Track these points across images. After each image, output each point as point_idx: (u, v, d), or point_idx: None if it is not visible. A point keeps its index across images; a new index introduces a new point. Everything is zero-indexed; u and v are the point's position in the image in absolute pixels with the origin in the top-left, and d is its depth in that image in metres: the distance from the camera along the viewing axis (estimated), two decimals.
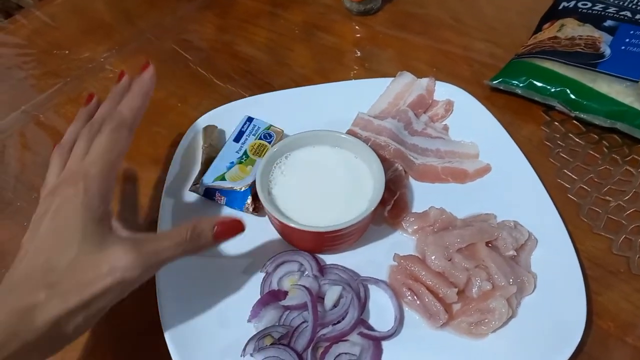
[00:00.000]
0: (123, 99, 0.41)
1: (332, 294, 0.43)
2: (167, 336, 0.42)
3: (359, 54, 0.71)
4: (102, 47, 0.74)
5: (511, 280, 0.44)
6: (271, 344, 0.41)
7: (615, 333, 0.44)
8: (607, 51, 0.60)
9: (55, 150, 0.42)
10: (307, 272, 0.46)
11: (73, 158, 0.39)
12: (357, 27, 0.75)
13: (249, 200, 0.49)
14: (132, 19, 0.78)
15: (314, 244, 0.48)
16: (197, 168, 0.54)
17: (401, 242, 0.49)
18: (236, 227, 0.40)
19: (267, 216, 0.50)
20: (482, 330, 0.42)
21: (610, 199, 0.53)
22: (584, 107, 0.58)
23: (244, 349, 0.41)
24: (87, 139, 0.39)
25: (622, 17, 0.63)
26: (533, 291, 0.45)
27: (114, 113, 0.40)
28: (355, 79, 0.66)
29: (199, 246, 0.38)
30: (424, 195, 0.53)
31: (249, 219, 0.51)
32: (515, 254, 0.46)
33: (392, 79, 0.62)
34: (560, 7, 0.68)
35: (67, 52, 0.74)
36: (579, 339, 0.41)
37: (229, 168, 0.51)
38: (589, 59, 0.60)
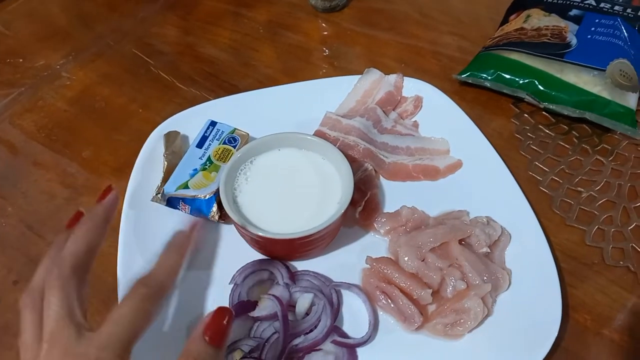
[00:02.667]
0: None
1: (303, 302, 0.42)
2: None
3: (326, 52, 0.70)
4: (59, 53, 0.71)
5: (485, 277, 0.43)
6: (241, 358, 0.39)
7: (592, 326, 0.44)
8: (574, 41, 0.60)
9: (24, 298, 0.33)
10: (277, 281, 0.44)
11: (54, 319, 0.30)
12: (323, 24, 0.74)
13: (214, 209, 0.47)
14: (89, 24, 0.75)
15: (284, 251, 0.46)
16: (159, 177, 0.51)
17: (374, 243, 0.48)
18: (225, 319, 0.31)
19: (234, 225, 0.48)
20: (458, 331, 0.41)
21: (582, 189, 0.53)
22: (552, 98, 0.58)
23: None
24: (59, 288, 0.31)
25: (587, 5, 0.63)
26: (508, 288, 0.44)
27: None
28: (323, 77, 0.65)
29: None
30: (395, 195, 0.52)
31: (215, 228, 0.49)
32: (489, 250, 0.45)
33: (360, 76, 0.61)
34: None
35: (21, 60, 0.70)
36: (556, 335, 0.40)
37: (192, 175, 0.49)
38: (555, 49, 0.59)
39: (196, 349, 0.30)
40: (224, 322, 0.31)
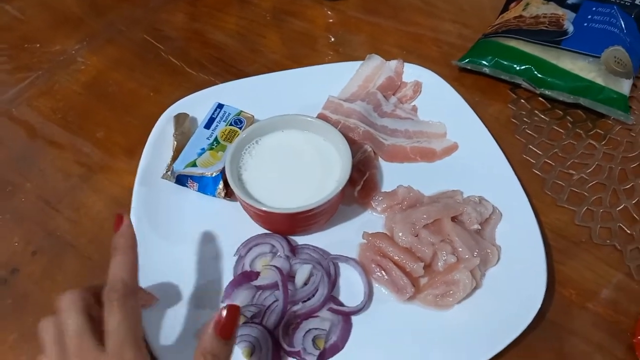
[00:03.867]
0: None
1: (302, 272, 0.45)
2: (143, 319, 0.43)
3: (331, 39, 0.72)
4: (73, 39, 0.73)
5: (475, 252, 0.45)
6: (244, 323, 0.42)
7: (577, 300, 0.46)
8: (571, 28, 0.61)
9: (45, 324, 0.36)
10: (279, 253, 0.47)
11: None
12: (328, 12, 0.75)
13: (221, 186, 0.50)
14: (101, 11, 0.78)
15: (285, 226, 0.49)
16: (170, 155, 0.54)
17: (371, 221, 0.51)
18: (233, 316, 0.34)
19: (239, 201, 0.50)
20: (448, 302, 0.43)
21: (574, 172, 0.55)
22: (548, 84, 0.59)
23: None
24: None
25: None
26: (497, 263, 0.46)
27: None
28: (327, 63, 0.67)
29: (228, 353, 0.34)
30: (393, 175, 0.54)
31: (221, 205, 0.52)
32: (480, 227, 0.48)
33: (362, 62, 0.63)
34: None
35: (37, 45, 0.73)
36: (539, 306, 0.43)
37: (200, 154, 0.52)
38: (553, 36, 0.61)
39: (210, 345, 0.33)
40: (233, 318, 0.34)
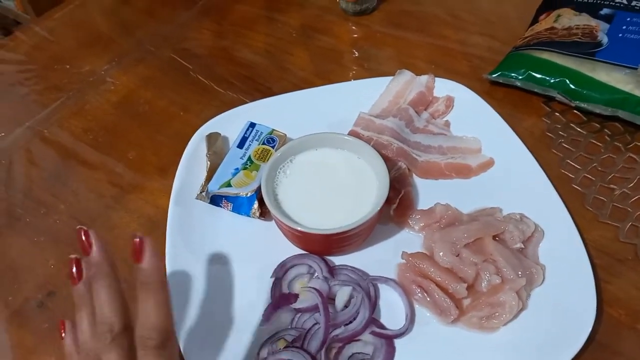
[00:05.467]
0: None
1: (342, 294, 0.44)
2: (182, 343, 0.43)
3: (357, 54, 0.71)
4: (102, 59, 0.74)
5: (520, 272, 0.44)
6: (285, 347, 0.41)
7: (626, 321, 0.45)
8: (605, 39, 0.60)
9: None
10: (316, 274, 0.46)
11: None
12: (353, 27, 0.75)
13: (256, 206, 0.50)
14: (130, 30, 0.79)
15: (322, 246, 0.48)
16: (203, 176, 0.54)
17: (408, 239, 0.50)
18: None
19: (273, 221, 0.50)
20: (494, 324, 0.42)
21: (615, 187, 0.53)
22: (584, 97, 0.58)
23: (258, 353, 0.41)
24: None
25: (618, 4, 0.63)
26: (542, 282, 0.45)
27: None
28: (354, 79, 0.66)
29: None
30: (428, 192, 0.53)
31: (256, 225, 0.52)
32: (523, 246, 0.46)
33: (392, 77, 0.63)
34: None
35: (68, 66, 0.74)
36: (590, 328, 0.41)
37: (234, 174, 0.51)
38: (586, 48, 0.60)
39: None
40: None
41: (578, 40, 0.61)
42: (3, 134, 0.66)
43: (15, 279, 0.51)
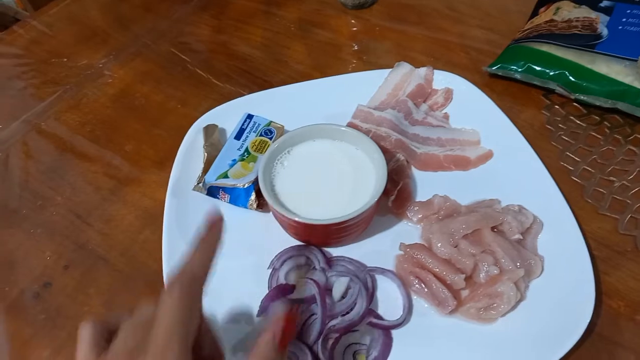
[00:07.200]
0: None
1: (339, 285, 0.43)
2: None
3: (356, 47, 0.71)
4: (100, 53, 0.74)
5: (518, 263, 0.44)
6: None
7: (626, 312, 0.44)
8: (605, 32, 0.60)
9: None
10: (314, 266, 0.46)
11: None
12: (352, 21, 0.75)
13: (253, 197, 0.50)
14: (127, 25, 0.79)
15: (319, 237, 0.48)
16: (200, 167, 0.54)
17: (406, 231, 0.49)
18: (293, 325, 0.32)
19: (271, 212, 0.50)
20: (491, 315, 0.42)
21: (615, 179, 0.53)
22: (584, 89, 0.58)
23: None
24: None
25: None
26: (541, 274, 0.45)
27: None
28: (352, 72, 0.66)
29: None
30: (427, 184, 0.53)
31: (253, 216, 0.51)
32: (522, 237, 0.46)
33: (390, 70, 0.62)
34: None
35: (65, 60, 0.74)
36: (589, 319, 0.41)
37: (231, 165, 0.51)
38: (586, 40, 0.60)
39: (267, 355, 0.30)
40: (293, 330, 0.32)
41: (578, 32, 0.61)
42: (0, 127, 0.65)
43: (12, 270, 0.51)
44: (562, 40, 0.60)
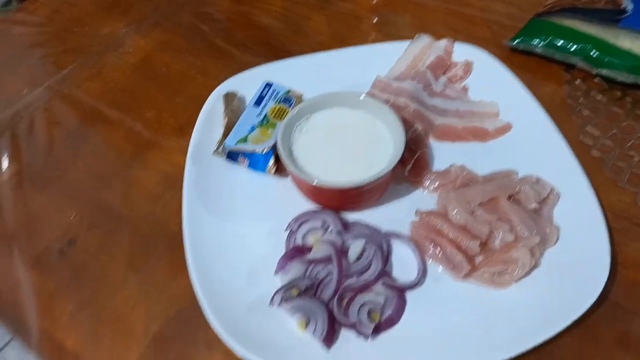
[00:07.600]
0: None
1: (355, 247, 0.44)
2: (199, 290, 0.43)
3: (375, 19, 0.71)
4: (121, 22, 0.75)
5: (534, 231, 0.44)
6: (298, 295, 0.42)
7: None
8: (630, 6, 0.59)
9: None
10: (330, 229, 0.47)
11: None
12: None
13: (272, 162, 0.50)
14: None
15: (337, 201, 0.48)
16: (219, 133, 0.54)
17: (423, 199, 0.50)
18: None
19: (289, 177, 0.50)
20: (505, 280, 0.42)
21: (634, 153, 0.52)
22: (606, 64, 0.57)
23: (272, 300, 0.42)
24: None
25: None
26: (556, 242, 0.45)
27: None
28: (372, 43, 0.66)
29: None
30: (444, 155, 0.53)
31: (271, 181, 0.52)
32: (538, 206, 0.46)
33: (410, 42, 0.62)
34: None
35: (86, 28, 0.75)
36: (602, 286, 0.41)
37: (251, 131, 0.52)
38: (610, 15, 0.59)
39: None
40: None
41: (601, 7, 0.60)
42: (25, 91, 0.67)
43: (36, 228, 0.53)
44: (586, 15, 0.60)
